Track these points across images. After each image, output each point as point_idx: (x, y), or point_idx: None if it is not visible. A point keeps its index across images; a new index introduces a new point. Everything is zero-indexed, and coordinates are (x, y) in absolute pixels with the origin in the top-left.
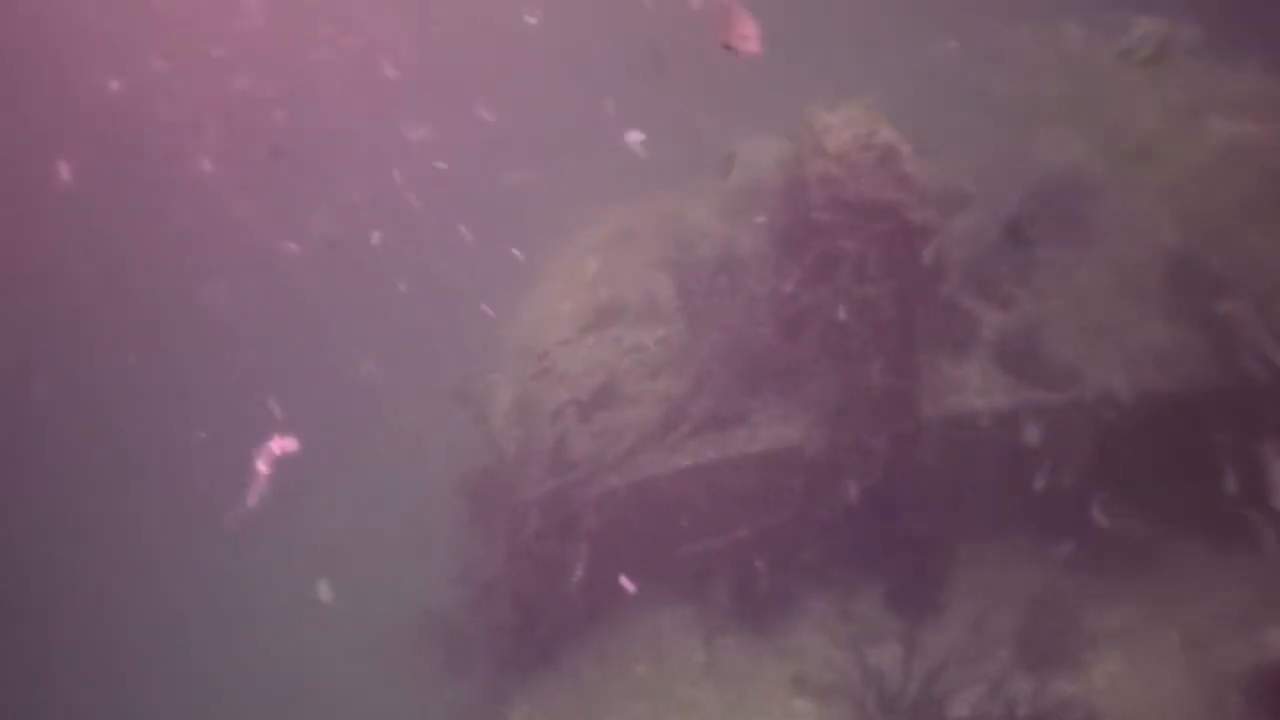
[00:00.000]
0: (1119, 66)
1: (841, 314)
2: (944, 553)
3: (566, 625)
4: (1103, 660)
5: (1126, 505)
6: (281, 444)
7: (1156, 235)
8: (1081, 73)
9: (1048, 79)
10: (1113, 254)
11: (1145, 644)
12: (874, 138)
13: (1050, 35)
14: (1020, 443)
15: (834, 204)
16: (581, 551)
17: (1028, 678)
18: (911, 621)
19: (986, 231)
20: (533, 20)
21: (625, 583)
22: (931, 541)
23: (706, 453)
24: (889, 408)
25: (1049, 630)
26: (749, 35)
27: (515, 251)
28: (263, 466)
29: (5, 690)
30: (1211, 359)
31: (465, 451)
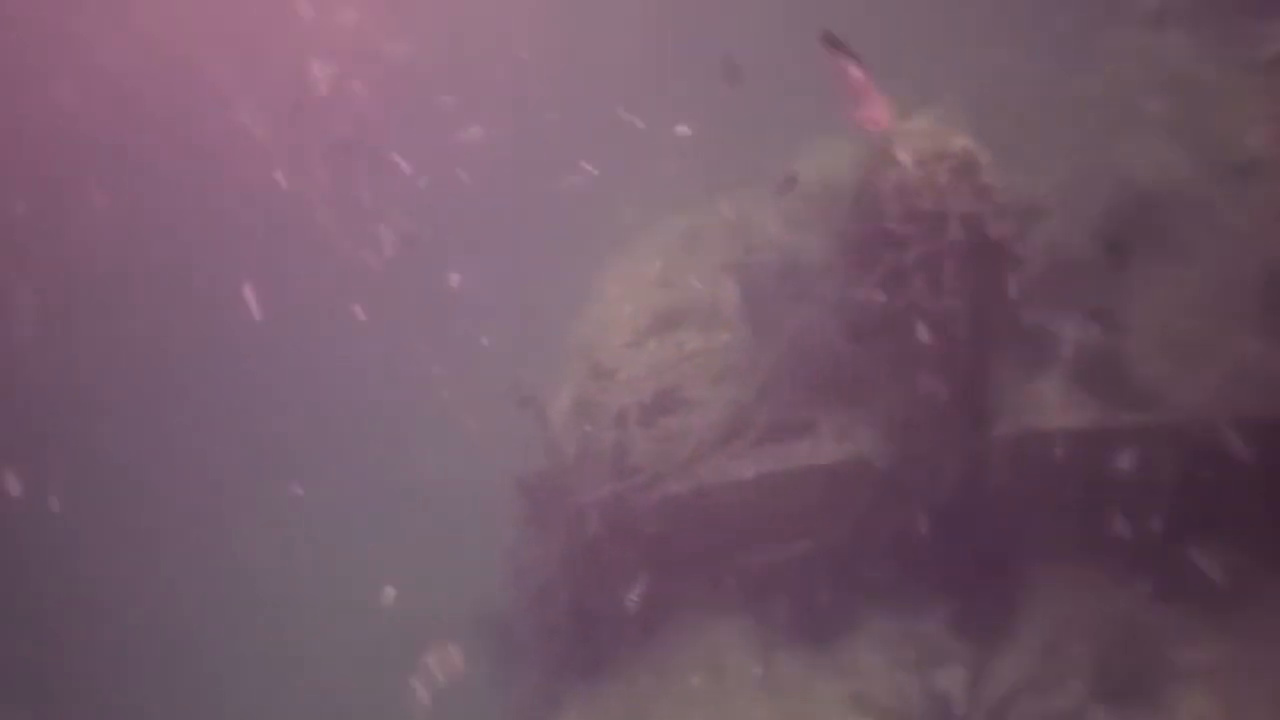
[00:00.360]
0: (1226, 74)
1: (914, 326)
2: (1016, 576)
3: (621, 631)
4: (1189, 698)
5: (1217, 536)
6: None
7: (1258, 253)
8: (1182, 80)
9: (1144, 85)
10: (1209, 271)
11: (1238, 684)
12: (950, 146)
13: (1147, 39)
14: (1101, 465)
15: (909, 215)
16: (639, 557)
17: (1104, 712)
18: (979, 646)
19: (1070, 243)
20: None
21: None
22: (1003, 563)
23: (769, 463)
24: (961, 424)
25: (1129, 663)
26: (879, 116)
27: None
28: None
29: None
30: None
31: (525, 452)
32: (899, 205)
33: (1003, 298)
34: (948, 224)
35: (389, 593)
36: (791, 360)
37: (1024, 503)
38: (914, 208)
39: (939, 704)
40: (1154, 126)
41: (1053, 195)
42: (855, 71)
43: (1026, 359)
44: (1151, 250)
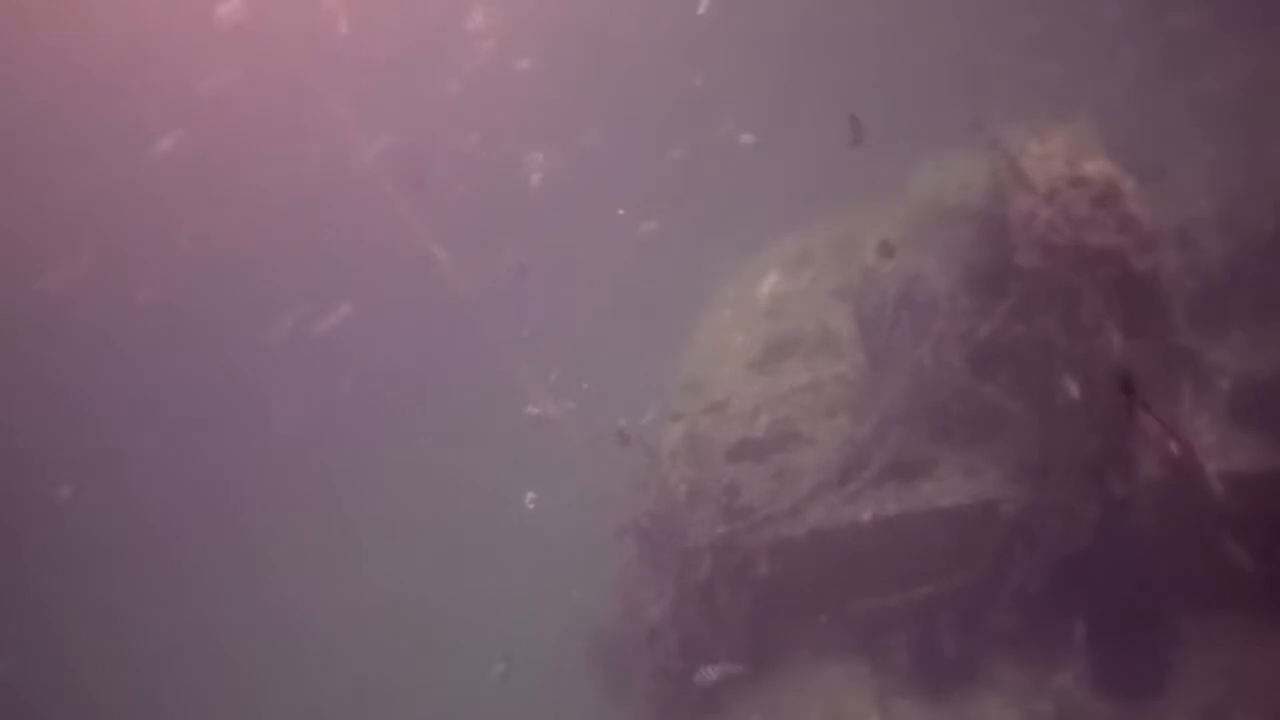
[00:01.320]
0: None
1: (1046, 363)
2: (1167, 629)
3: (735, 675)
4: None
5: None
6: None
7: None
8: None
9: None
10: None
11: None
12: (1089, 171)
13: None
14: (1263, 509)
15: (1042, 248)
16: (752, 600)
17: None
18: (1124, 704)
19: (1229, 265)
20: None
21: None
22: (1151, 615)
23: (889, 505)
24: (1101, 466)
25: None
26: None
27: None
28: None
29: None
30: None
31: (637, 491)
32: (1029, 237)
33: (1150, 332)
34: (1086, 260)
35: (501, 668)
36: (912, 394)
37: (1175, 550)
38: (1047, 242)
39: None
40: None
41: (1207, 216)
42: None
43: (1179, 394)
44: None
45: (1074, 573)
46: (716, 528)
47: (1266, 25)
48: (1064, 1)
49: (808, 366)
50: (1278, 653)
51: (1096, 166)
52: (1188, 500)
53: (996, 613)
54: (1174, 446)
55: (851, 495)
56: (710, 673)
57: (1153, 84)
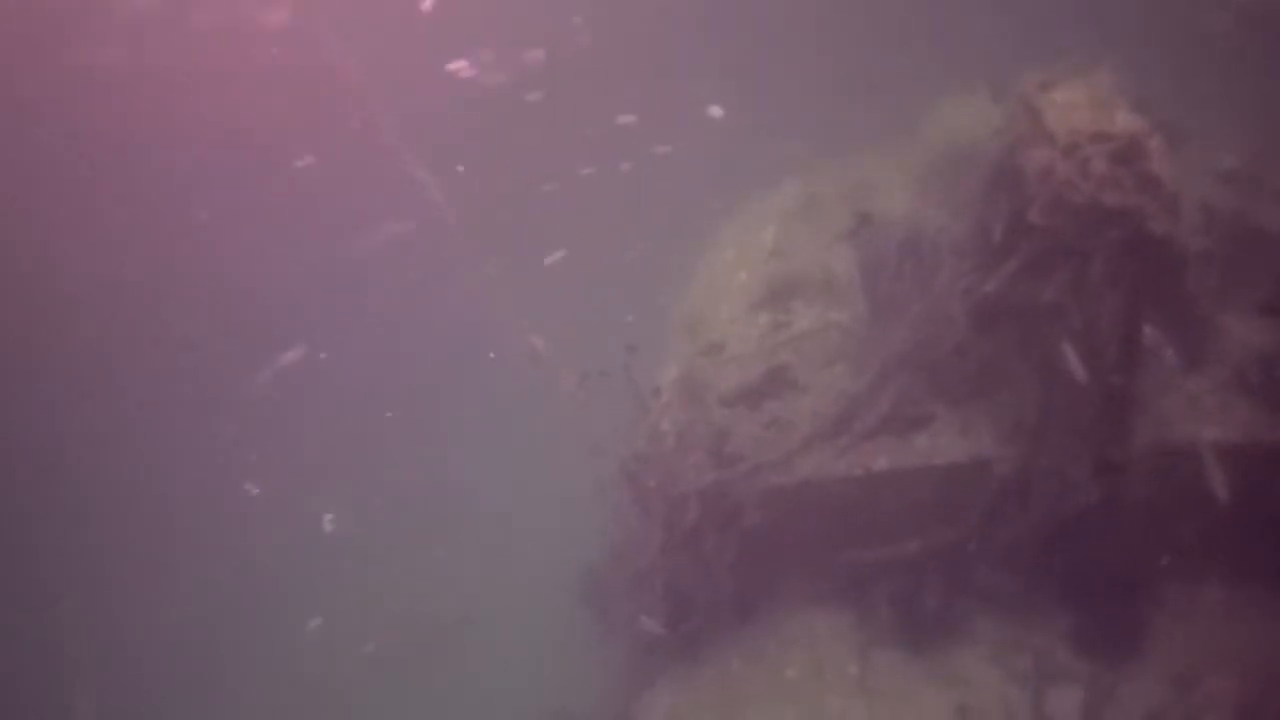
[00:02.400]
0: None
1: (1051, 323)
2: (1151, 595)
3: (718, 619)
4: None
5: None
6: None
7: None
8: None
9: None
10: None
11: None
12: (1112, 125)
13: None
14: (1261, 483)
15: (1056, 206)
16: (740, 548)
17: None
18: (1103, 667)
19: (1250, 230)
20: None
21: None
22: (1136, 580)
23: (881, 460)
24: (1099, 430)
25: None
26: None
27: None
28: None
29: None
30: None
31: (626, 432)
32: (1044, 193)
33: (1161, 297)
34: (1100, 220)
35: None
36: (911, 347)
37: (1166, 518)
38: (1062, 199)
39: None
40: None
41: (1234, 176)
42: None
43: (1184, 361)
44: None
45: (1063, 535)
46: (706, 474)
47: None
48: None
49: (809, 312)
50: (1255, 624)
51: (1121, 120)
52: (1183, 470)
53: (982, 570)
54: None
55: (844, 447)
56: (652, 624)
57: (1182, 36)
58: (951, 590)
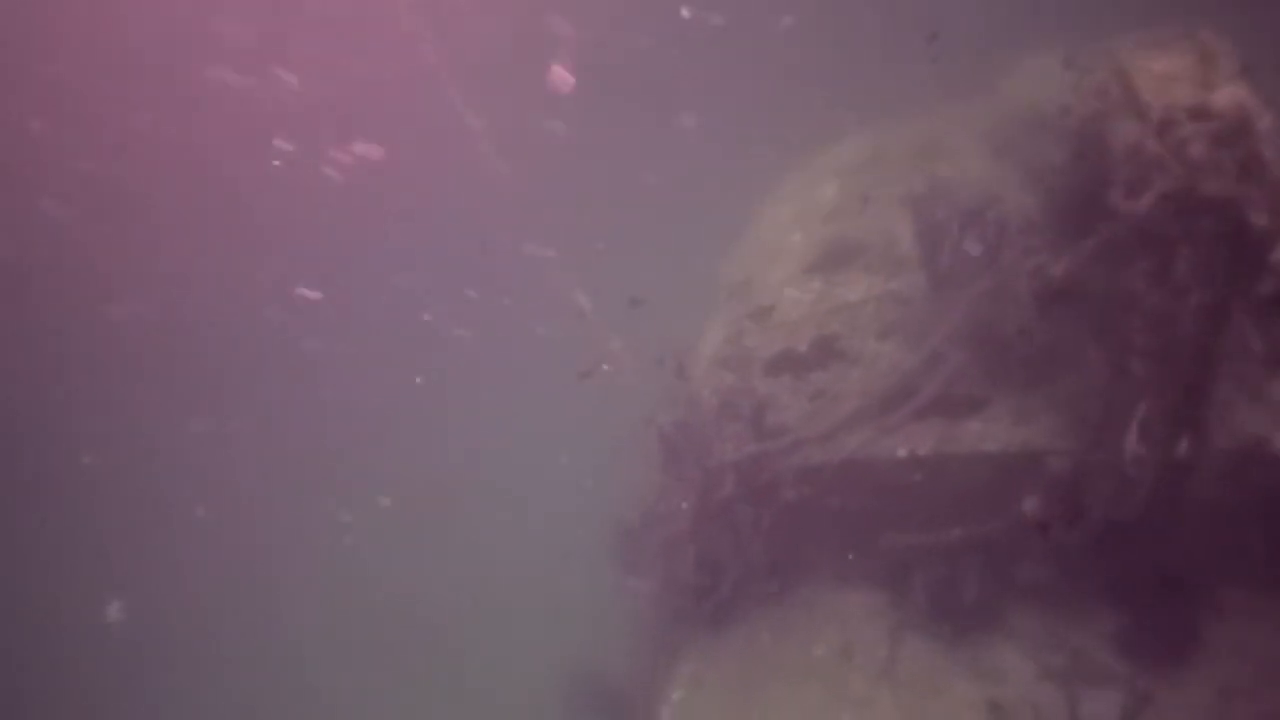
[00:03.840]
0: None
1: (1126, 313)
2: (1205, 599)
3: (749, 591)
4: None
5: None
6: None
7: None
8: None
9: None
10: None
11: None
12: (1214, 101)
13: None
14: None
15: (1142, 189)
16: (775, 524)
17: None
18: (1145, 672)
19: None
20: None
21: None
22: (1190, 585)
23: (929, 443)
24: (1167, 430)
25: None
26: None
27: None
28: None
29: None
30: None
31: (666, 395)
32: (1130, 174)
33: (1253, 293)
34: (1192, 209)
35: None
36: (970, 325)
37: (1231, 525)
38: (1149, 182)
39: None
40: None
41: None
42: None
43: (1270, 363)
44: None
45: (1115, 534)
46: (744, 446)
47: None
48: None
49: (865, 280)
50: None
51: (1228, 96)
52: (1255, 476)
53: (1026, 565)
54: None
55: (891, 427)
56: (635, 584)
57: None
58: (992, 581)
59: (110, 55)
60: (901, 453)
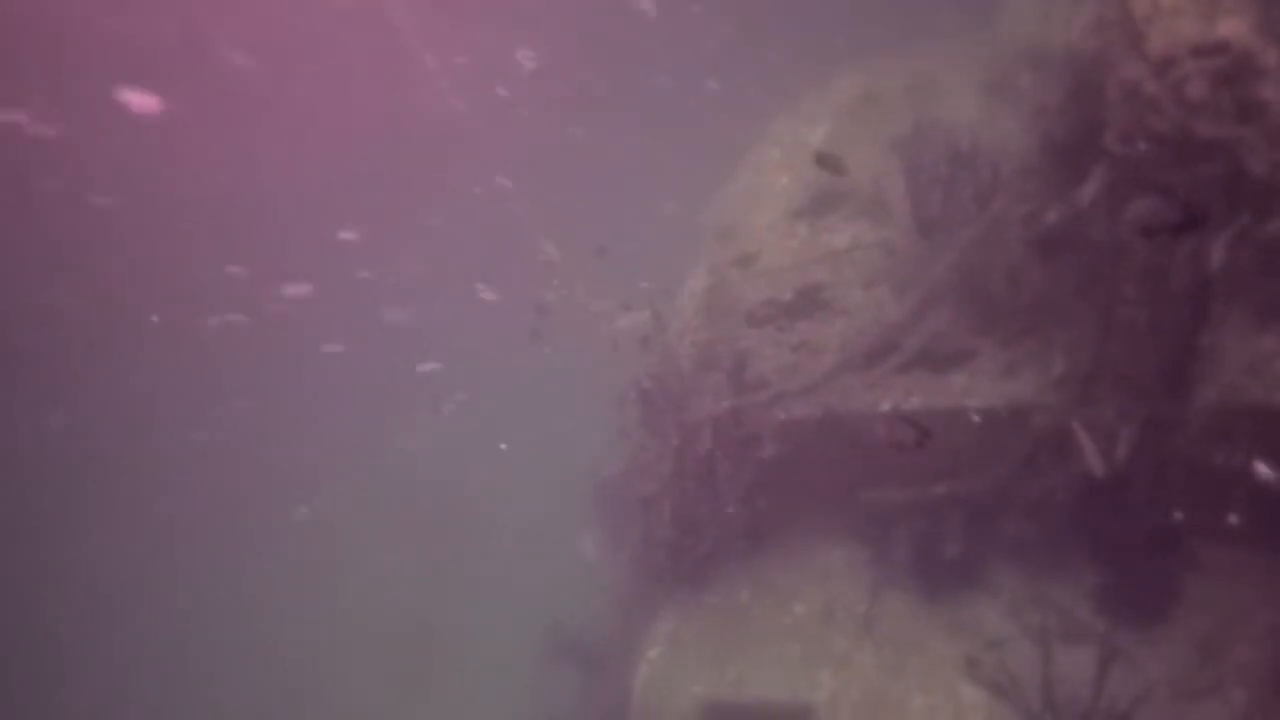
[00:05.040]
0: None
1: (1118, 262)
2: (1185, 557)
3: (727, 548)
4: None
5: None
6: None
7: None
8: None
9: None
10: None
11: None
12: (1222, 36)
13: None
14: None
15: (1139, 132)
16: (754, 479)
17: None
18: (1123, 628)
19: None
20: None
21: None
22: (1171, 541)
23: (913, 397)
24: (1154, 383)
25: None
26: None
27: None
28: None
29: None
30: None
31: (642, 345)
32: (1127, 115)
33: (1250, 243)
34: (1189, 152)
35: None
36: (959, 274)
37: (1217, 481)
38: (1148, 125)
39: (1062, 686)
40: None
41: None
42: None
43: (1261, 317)
44: None
45: (1098, 490)
46: (723, 400)
47: None
48: None
49: (853, 226)
50: None
51: (1231, 30)
52: (1241, 430)
53: (1008, 521)
54: None
55: (874, 381)
56: (589, 544)
57: None
58: (973, 538)
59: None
60: (884, 407)
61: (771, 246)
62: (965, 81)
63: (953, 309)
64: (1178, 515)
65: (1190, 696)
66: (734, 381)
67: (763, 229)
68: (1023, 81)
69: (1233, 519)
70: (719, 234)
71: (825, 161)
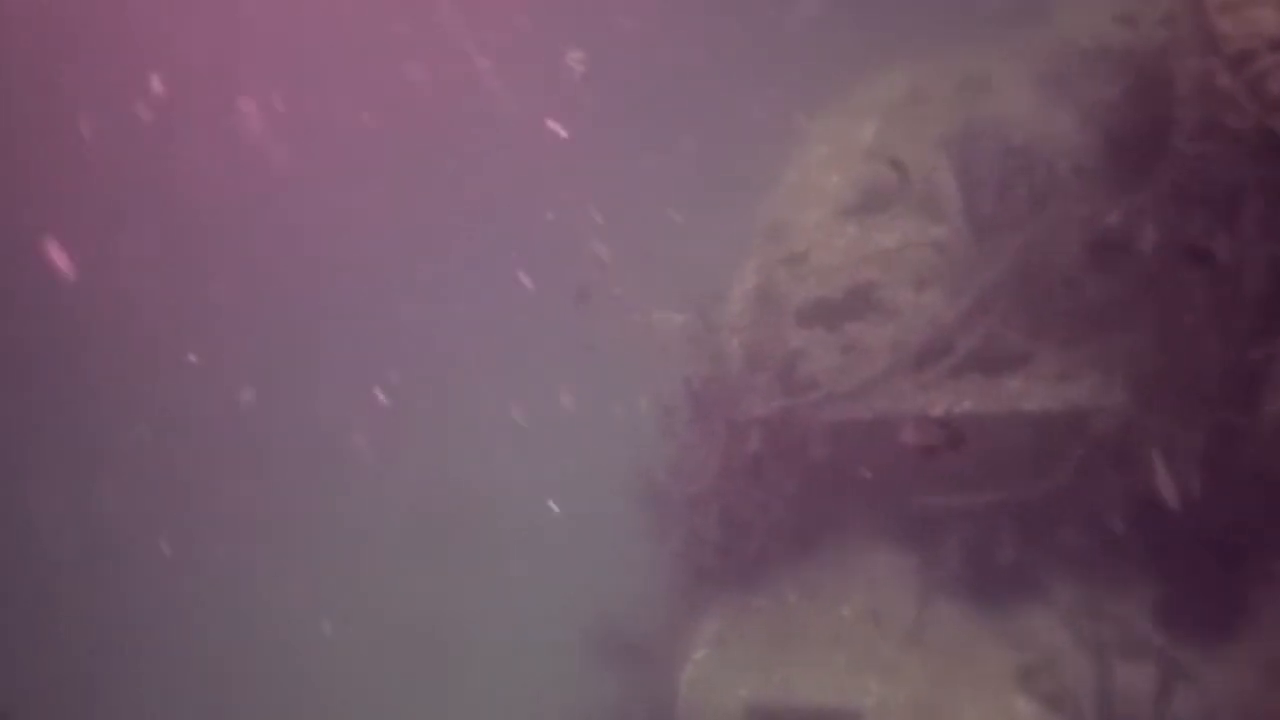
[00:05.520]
0: None
1: (1184, 265)
2: (1254, 572)
3: (775, 549)
4: None
5: None
6: None
7: None
8: None
9: None
10: None
11: None
12: None
13: None
14: None
15: (1209, 129)
16: (802, 481)
17: None
18: (1186, 645)
19: None
20: None
21: None
22: (1239, 556)
23: (966, 401)
24: (1220, 390)
25: None
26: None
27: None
28: None
29: None
30: None
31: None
32: (1199, 112)
33: None
34: (1265, 152)
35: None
36: (1014, 276)
37: None
38: (1221, 124)
39: (1121, 703)
40: None
41: None
42: None
43: None
44: None
45: (1162, 501)
46: (772, 400)
47: None
48: None
49: (904, 225)
50: None
51: None
52: None
53: (1065, 529)
54: None
55: (927, 383)
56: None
57: None
58: (1028, 546)
59: None
60: (937, 410)
61: (820, 245)
62: (1019, 76)
63: (1008, 311)
64: (1245, 528)
65: (1251, 717)
66: (783, 382)
67: (811, 227)
68: (1080, 77)
69: None
70: (767, 232)
71: (895, 166)
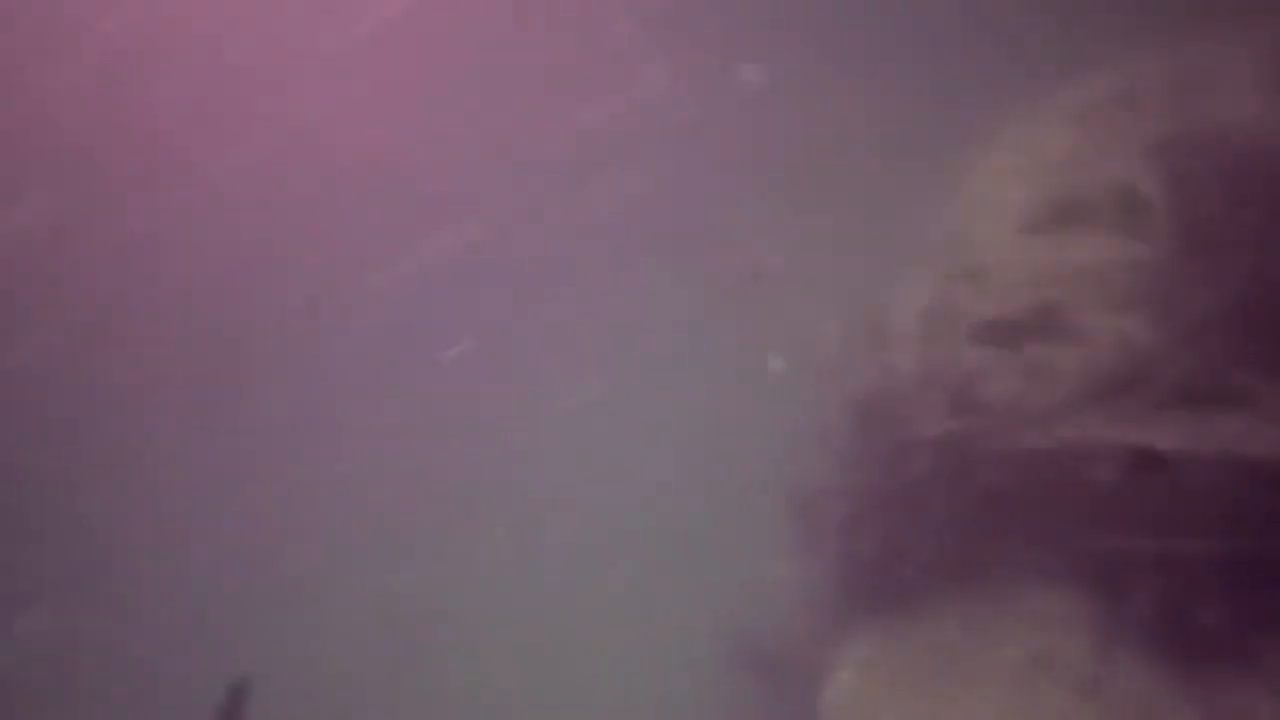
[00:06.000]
0: None
1: None
2: None
3: (934, 577)
4: None
5: None
6: None
7: None
8: None
9: None
10: None
11: None
12: None
13: None
14: None
15: None
16: (972, 510)
17: None
18: None
19: None
20: None
21: None
22: None
23: (1166, 438)
24: None
25: None
26: None
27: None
28: None
29: None
30: None
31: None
32: None
33: None
34: None
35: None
36: (1230, 299)
37: None
38: None
39: None
40: None
41: None
42: None
43: None
44: None
45: None
46: (944, 421)
47: None
48: None
49: (1097, 241)
50: None
51: None
52: None
53: (1277, 589)
54: None
55: (1120, 415)
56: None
57: None
58: (1233, 604)
59: None
60: (1132, 445)
61: (1002, 261)
62: (1242, 76)
63: (1223, 341)
64: None
65: None
66: (956, 403)
67: (992, 242)
68: None
69: None
70: (944, 245)
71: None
